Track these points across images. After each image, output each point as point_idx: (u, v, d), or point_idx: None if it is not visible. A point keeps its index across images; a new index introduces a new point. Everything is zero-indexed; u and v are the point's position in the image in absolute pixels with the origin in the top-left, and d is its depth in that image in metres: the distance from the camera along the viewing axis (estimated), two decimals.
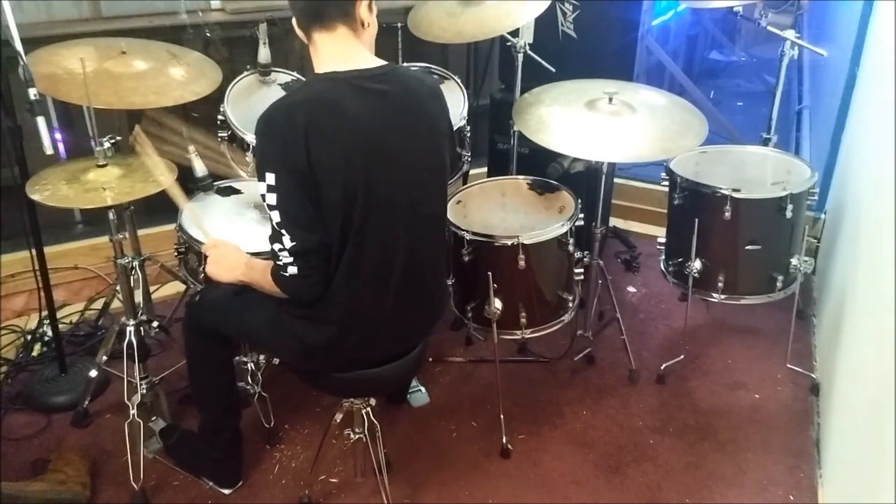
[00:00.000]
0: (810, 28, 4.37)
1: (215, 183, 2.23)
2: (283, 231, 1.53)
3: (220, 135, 2.42)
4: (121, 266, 2.09)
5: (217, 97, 2.30)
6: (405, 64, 2.76)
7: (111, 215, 2.00)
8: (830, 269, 2.68)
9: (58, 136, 2.31)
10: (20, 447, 2.20)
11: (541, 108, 2.26)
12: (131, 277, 2.11)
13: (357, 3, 1.57)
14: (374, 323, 1.69)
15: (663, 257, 2.57)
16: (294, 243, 1.54)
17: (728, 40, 5.46)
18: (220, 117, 2.40)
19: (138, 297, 2.13)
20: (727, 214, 2.26)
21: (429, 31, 2.48)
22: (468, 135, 2.60)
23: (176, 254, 2.18)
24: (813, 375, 2.45)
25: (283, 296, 1.64)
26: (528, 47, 2.61)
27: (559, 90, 2.35)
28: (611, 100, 2.20)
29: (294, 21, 1.61)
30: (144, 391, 2.12)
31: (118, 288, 2.16)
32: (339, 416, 1.95)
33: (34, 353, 2.57)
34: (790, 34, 2.54)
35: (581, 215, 2.24)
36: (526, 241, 2.11)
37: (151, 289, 2.58)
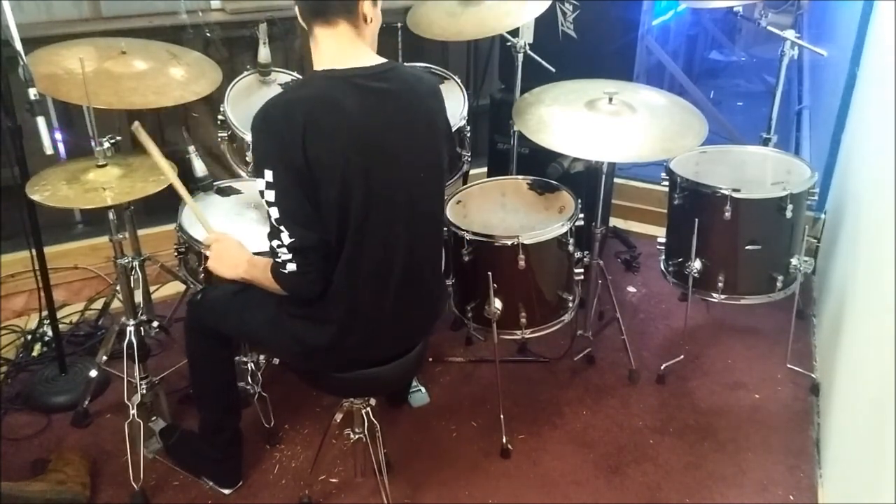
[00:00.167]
0: (810, 28, 4.36)
1: (215, 183, 2.23)
2: (282, 228, 1.53)
3: (220, 135, 2.42)
4: (121, 266, 2.09)
5: (217, 97, 2.30)
6: (406, 64, 2.76)
7: (111, 215, 2.00)
8: (830, 269, 2.67)
9: (58, 136, 2.32)
10: (20, 447, 2.20)
11: (541, 108, 2.26)
12: (131, 277, 2.10)
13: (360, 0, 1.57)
14: (374, 322, 1.68)
15: (663, 257, 2.57)
16: (292, 240, 1.54)
17: (728, 40, 5.45)
18: (220, 117, 2.40)
19: (138, 297, 2.13)
20: (727, 214, 2.26)
21: (428, 29, 2.48)
22: (468, 135, 2.60)
23: (176, 254, 2.17)
24: (813, 375, 2.45)
25: (283, 293, 1.64)
26: (528, 47, 2.60)
27: (559, 90, 2.35)
28: (611, 100, 2.20)
29: (297, 10, 1.61)
30: (144, 391, 2.12)
31: (118, 288, 2.16)
32: (339, 416, 1.95)
33: (34, 353, 2.57)
34: (790, 34, 2.54)
35: (581, 215, 2.23)
36: (526, 241, 2.10)
37: (151, 289, 2.58)
